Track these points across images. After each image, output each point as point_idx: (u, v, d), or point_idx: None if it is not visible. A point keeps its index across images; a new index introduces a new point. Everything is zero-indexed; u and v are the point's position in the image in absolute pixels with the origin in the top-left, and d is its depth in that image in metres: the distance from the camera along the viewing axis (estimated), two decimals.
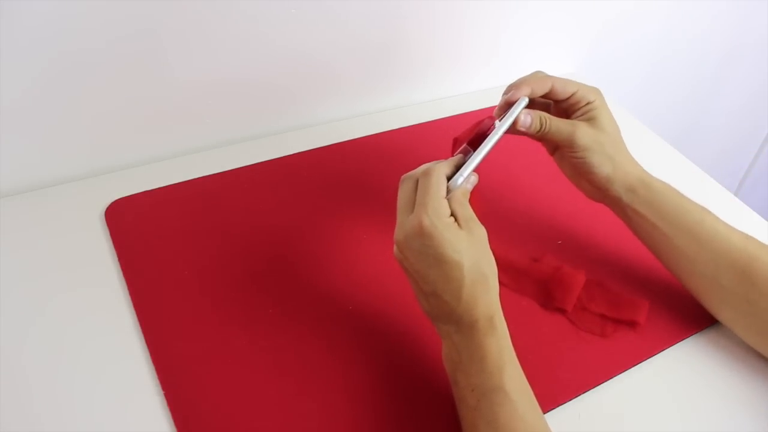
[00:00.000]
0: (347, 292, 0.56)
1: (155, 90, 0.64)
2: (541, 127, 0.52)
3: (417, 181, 0.46)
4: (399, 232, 0.44)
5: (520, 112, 0.51)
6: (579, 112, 0.54)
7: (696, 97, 1.22)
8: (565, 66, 0.94)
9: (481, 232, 0.45)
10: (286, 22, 0.66)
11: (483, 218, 0.46)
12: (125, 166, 0.67)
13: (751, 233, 0.53)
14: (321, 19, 0.68)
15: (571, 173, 0.57)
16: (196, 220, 0.61)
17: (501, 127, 0.50)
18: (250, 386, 0.48)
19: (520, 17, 0.83)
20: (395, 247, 0.45)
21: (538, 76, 0.53)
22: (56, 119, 0.61)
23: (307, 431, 0.46)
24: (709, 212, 0.54)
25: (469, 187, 0.47)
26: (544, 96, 0.53)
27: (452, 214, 0.44)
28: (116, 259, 0.56)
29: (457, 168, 0.47)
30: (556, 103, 0.55)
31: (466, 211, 0.45)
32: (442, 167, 0.46)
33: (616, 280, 0.59)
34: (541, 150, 0.59)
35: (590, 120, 0.53)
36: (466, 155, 0.48)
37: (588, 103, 0.53)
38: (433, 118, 0.79)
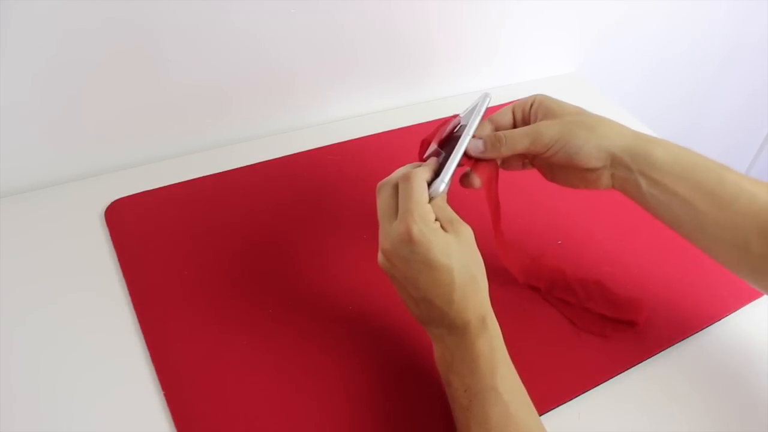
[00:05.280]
0: (347, 292, 0.56)
1: (155, 90, 0.64)
2: (500, 144, 0.49)
3: (395, 186, 0.44)
4: (385, 241, 0.43)
5: (469, 142, 0.48)
6: (531, 119, 0.52)
7: (696, 97, 1.22)
8: (565, 66, 0.94)
9: (467, 233, 0.44)
10: (286, 23, 0.66)
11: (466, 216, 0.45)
12: (125, 166, 0.67)
13: None
14: (321, 20, 0.68)
15: (571, 177, 0.51)
16: (196, 220, 0.61)
17: (471, 127, 0.48)
18: (249, 386, 0.48)
19: (521, 16, 0.83)
20: (380, 256, 0.44)
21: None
22: (56, 119, 0.61)
23: (306, 431, 0.46)
24: (730, 169, 0.47)
25: (446, 189, 0.46)
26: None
27: (436, 219, 0.43)
28: (116, 259, 0.56)
29: (434, 172, 0.46)
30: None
31: (449, 214, 0.44)
32: (422, 172, 0.45)
33: (616, 280, 0.59)
34: None
35: (545, 115, 0.50)
36: (438, 157, 0.47)
37: (531, 105, 0.51)
38: (434, 118, 0.79)
